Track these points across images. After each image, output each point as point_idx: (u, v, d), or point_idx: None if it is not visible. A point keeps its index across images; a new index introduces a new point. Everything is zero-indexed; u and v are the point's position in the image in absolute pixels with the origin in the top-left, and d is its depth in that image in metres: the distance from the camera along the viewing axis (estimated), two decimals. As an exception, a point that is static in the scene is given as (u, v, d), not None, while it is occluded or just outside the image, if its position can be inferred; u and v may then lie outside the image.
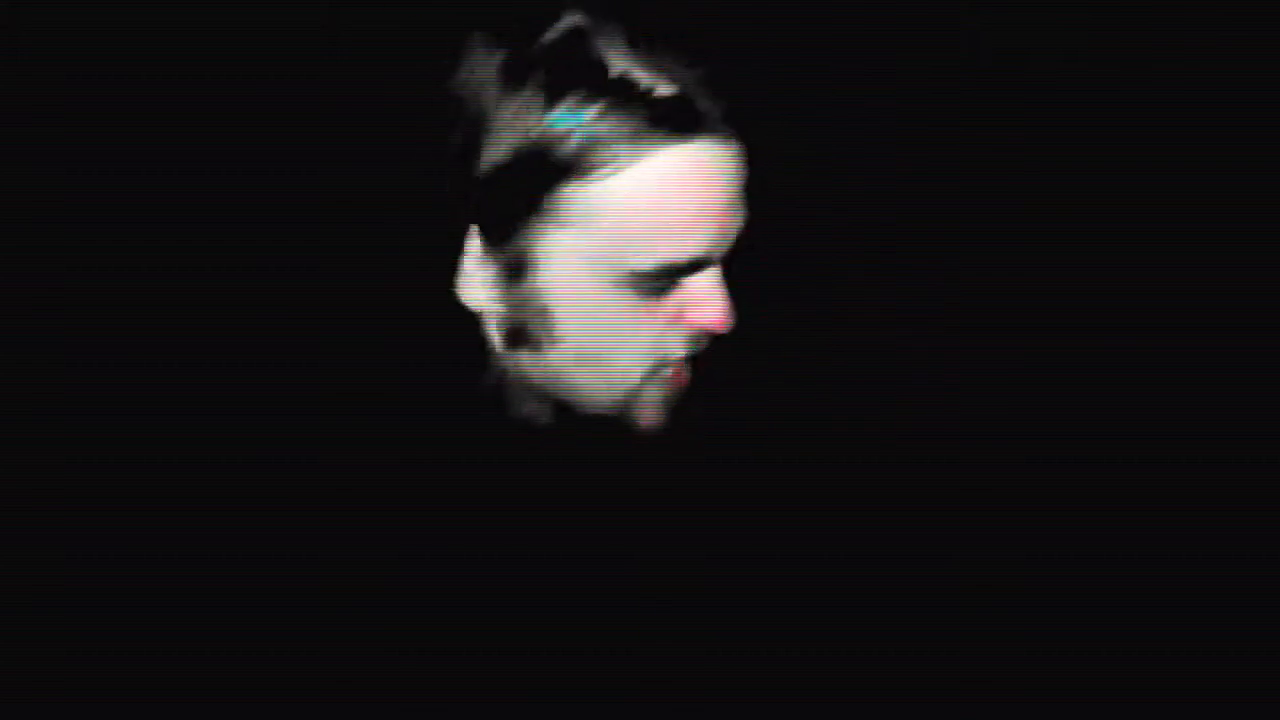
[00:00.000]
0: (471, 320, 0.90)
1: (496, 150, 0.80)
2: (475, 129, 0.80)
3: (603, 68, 0.80)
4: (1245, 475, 1.39)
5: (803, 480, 1.28)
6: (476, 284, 0.86)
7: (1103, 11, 1.50)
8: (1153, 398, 1.44)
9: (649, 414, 0.93)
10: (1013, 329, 1.48)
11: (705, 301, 0.86)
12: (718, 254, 0.86)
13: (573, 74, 0.79)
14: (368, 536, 0.96)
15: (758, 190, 0.97)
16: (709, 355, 1.14)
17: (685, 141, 0.81)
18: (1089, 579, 1.34)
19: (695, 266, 0.85)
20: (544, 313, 0.85)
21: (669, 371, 0.91)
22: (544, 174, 0.80)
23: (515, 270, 0.84)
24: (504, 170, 0.80)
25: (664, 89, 0.80)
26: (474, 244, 0.85)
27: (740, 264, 1.23)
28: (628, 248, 0.82)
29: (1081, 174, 1.51)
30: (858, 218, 1.50)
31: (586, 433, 1.06)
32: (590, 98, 0.79)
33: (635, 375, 0.89)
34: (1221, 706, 1.25)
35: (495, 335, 0.89)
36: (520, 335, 0.87)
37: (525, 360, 0.89)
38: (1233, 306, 1.47)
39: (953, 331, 1.48)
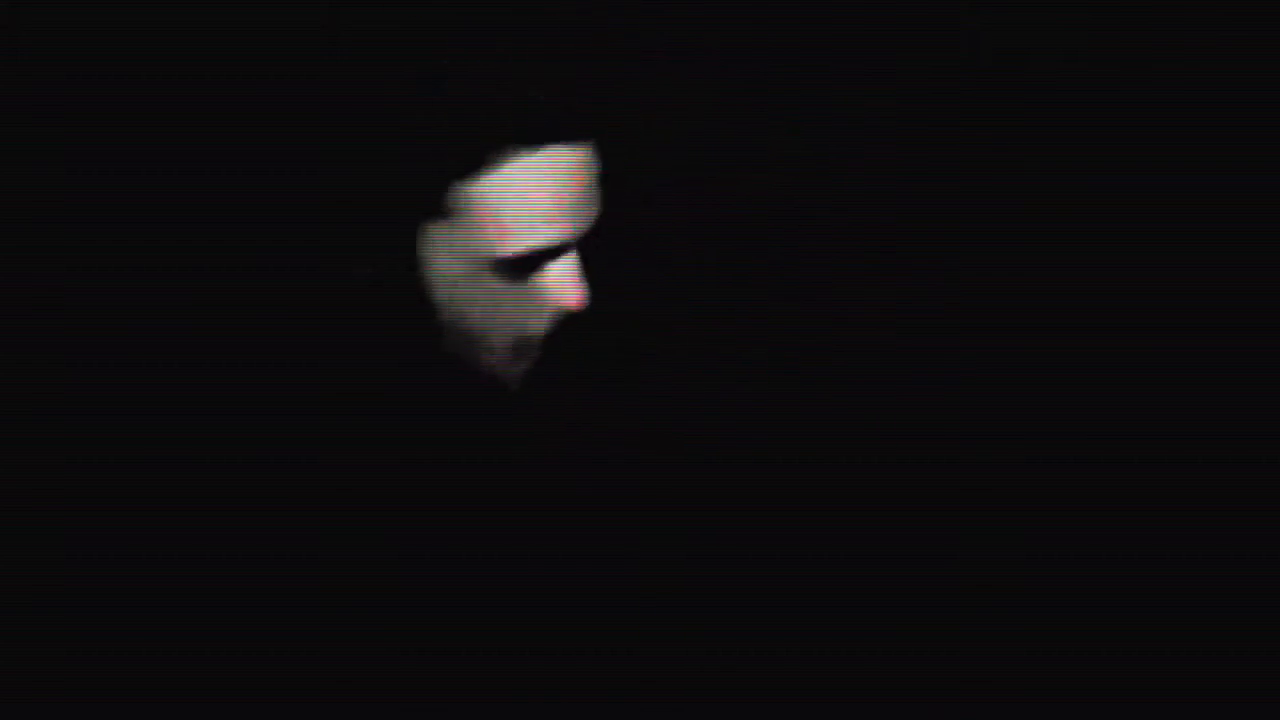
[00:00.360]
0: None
1: (391, 147, 0.95)
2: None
3: (479, 83, 0.94)
4: (1245, 475, 1.39)
5: (803, 479, 1.28)
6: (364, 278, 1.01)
7: (1102, 11, 1.50)
8: (1152, 398, 1.44)
9: (512, 379, 1.04)
10: (1013, 329, 1.48)
11: (563, 285, 0.98)
12: (573, 241, 0.98)
13: (453, 89, 0.93)
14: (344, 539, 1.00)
15: (759, 190, 1.03)
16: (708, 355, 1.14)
17: (542, 147, 0.94)
18: (1089, 579, 1.35)
19: (553, 253, 0.97)
20: (421, 288, 0.98)
21: (533, 351, 1.03)
22: (428, 170, 0.94)
23: (400, 251, 0.98)
24: (395, 165, 0.95)
25: (526, 101, 0.94)
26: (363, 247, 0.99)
27: (740, 264, 1.23)
28: (494, 238, 0.95)
29: (1081, 174, 1.51)
30: (857, 218, 1.50)
31: (587, 436, 1.07)
32: (468, 110, 0.93)
33: (502, 348, 1.02)
34: (1221, 707, 1.25)
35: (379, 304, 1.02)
36: (400, 305, 1.00)
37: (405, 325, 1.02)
38: (1233, 306, 1.47)
39: (953, 332, 1.48)
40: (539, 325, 1.01)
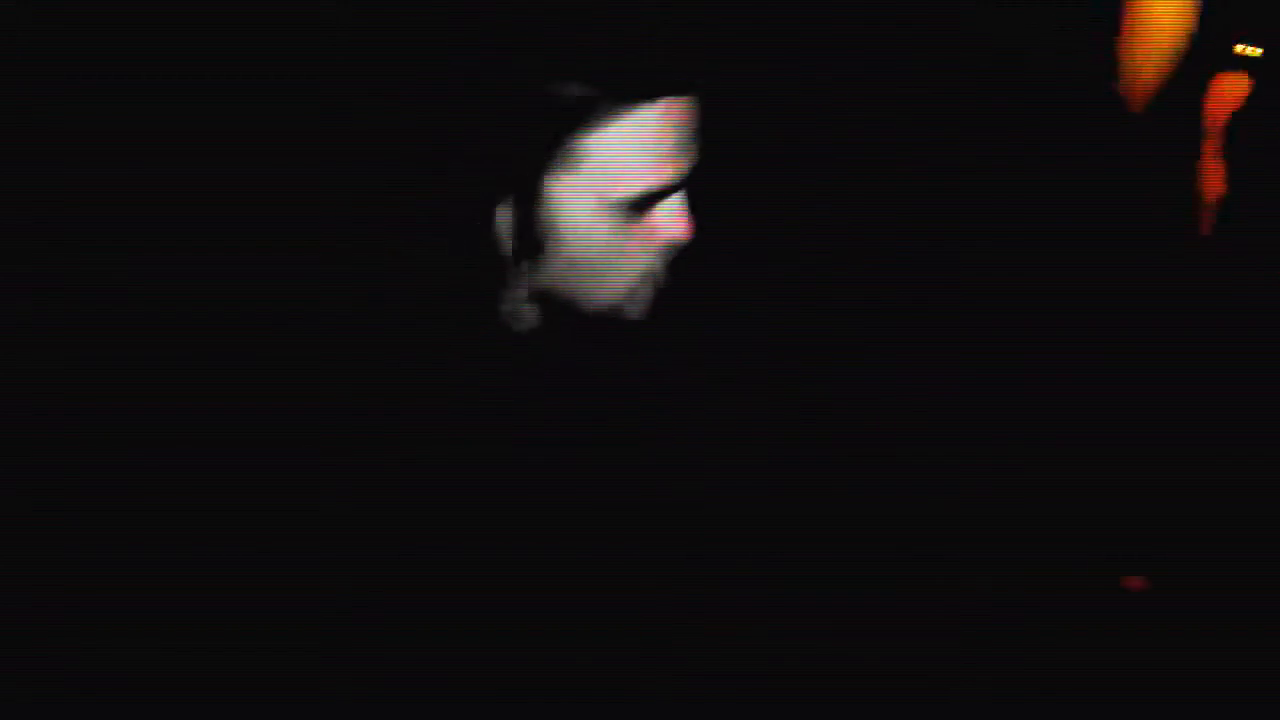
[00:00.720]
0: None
1: (517, 107, 1.06)
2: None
3: (592, 45, 1.06)
4: (1246, 476, 1.40)
5: (804, 481, 1.28)
6: (499, 215, 1.10)
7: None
8: (1153, 398, 1.45)
9: (633, 313, 1.14)
10: (1014, 329, 1.48)
11: (671, 220, 1.11)
12: (678, 183, 1.10)
13: (571, 50, 1.06)
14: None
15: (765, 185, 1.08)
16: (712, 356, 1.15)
17: (652, 100, 1.07)
18: (1087, 579, 1.35)
19: (663, 194, 1.10)
20: (549, 231, 1.09)
21: (648, 285, 1.14)
22: (551, 126, 1.06)
23: (529, 199, 1.09)
24: (521, 123, 1.06)
25: (636, 61, 1.07)
26: (495, 182, 1.09)
27: (743, 265, 1.24)
28: (611, 182, 1.08)
29: (1083, 174, 1.52)
30: (858, 217, 1.51)
31: (583, 434, 1.08)
32: (583, 69, 1.05)
33: (620, 283, 1.13)
34: (1222, 706, 1.26)
35: (511, 249, 1.12)
36: (530, 248, 1.11)
37: (531, 269, 1.12)
38: (1235, 307, 1.48)
39: (952, 331, 1.49)
40: (653, 258, 1.13)
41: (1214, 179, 1.52)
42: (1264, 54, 1.47)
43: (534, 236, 1.10)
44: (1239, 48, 1.42)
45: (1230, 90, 1.50)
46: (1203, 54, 1.51)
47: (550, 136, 1.06)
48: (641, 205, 1.09)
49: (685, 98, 1.10)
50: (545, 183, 1.08)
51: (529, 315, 1.13)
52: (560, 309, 1.13)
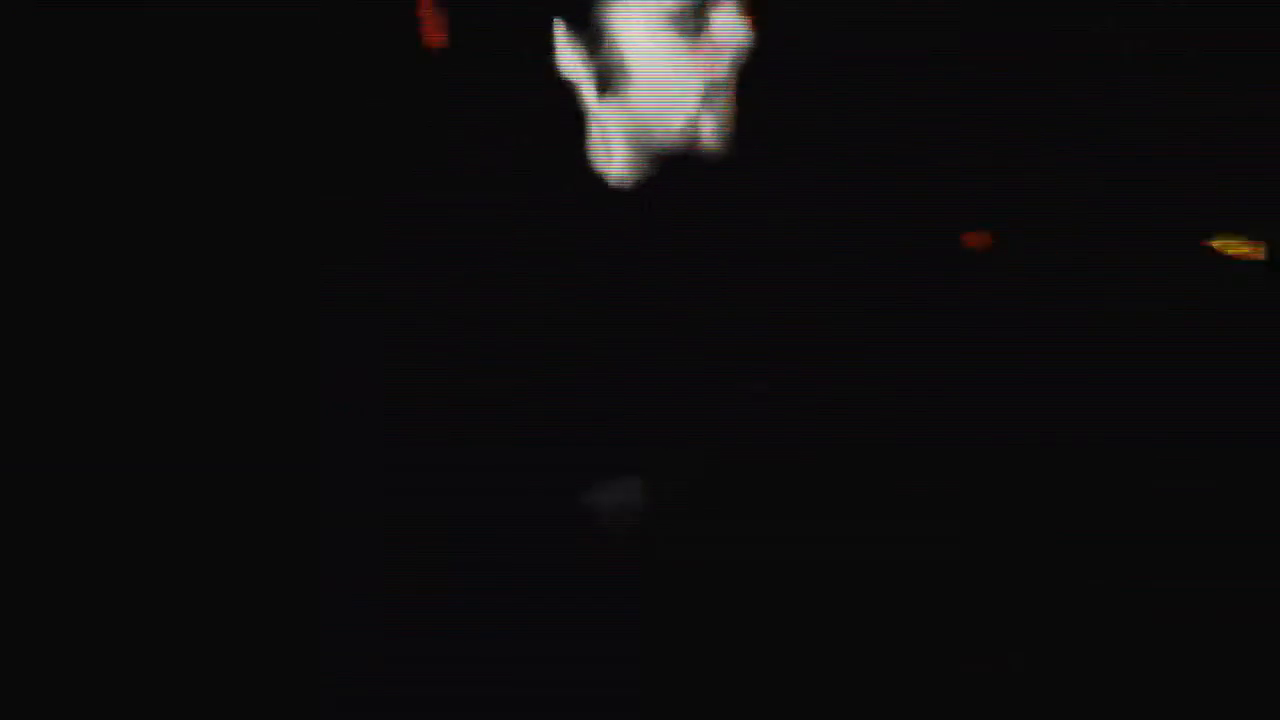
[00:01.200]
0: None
1: None
2: None
3: None
4: (1251, 480, 1.39)
5: (805, 484, 1.28)
6: (570, 59, 1.17)
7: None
8: (1154, 399, 1.45)
9: (710, 141, 1.19)
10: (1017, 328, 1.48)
11: (730, 26, 1.16)
12: None
13: None
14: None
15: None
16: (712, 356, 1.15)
17: None
18: (1089, 583, 1.35)
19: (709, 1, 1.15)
20: (620, 64, 1.15)
21: (720, 96, 1.18)
22: None
23: (594, 39, 1.15)
24: None
25: None
26: (561, 30, 1.16)
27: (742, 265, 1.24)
28: None
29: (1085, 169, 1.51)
30: (855, 215, 1.50)
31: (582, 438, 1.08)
32: None
33: (695, 98, 1.17)
34: (1223, 706, 1.26)
35: (589, 96, 1.18)
36: (607, 86, 1.16)
37: (614, 112, 1.17)
38: (1234, 308, 1.47)
39: (954, 332, 1.48)
40: (720, 71, 1.17)
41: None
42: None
43: (607, 74, 1.15)
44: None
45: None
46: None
47: None
48: (694, 17, 1.14)
49: None
50: (603, 18, 1.13)
51: (623, 161, 1.17)
52: (646, 148, 1.16)
